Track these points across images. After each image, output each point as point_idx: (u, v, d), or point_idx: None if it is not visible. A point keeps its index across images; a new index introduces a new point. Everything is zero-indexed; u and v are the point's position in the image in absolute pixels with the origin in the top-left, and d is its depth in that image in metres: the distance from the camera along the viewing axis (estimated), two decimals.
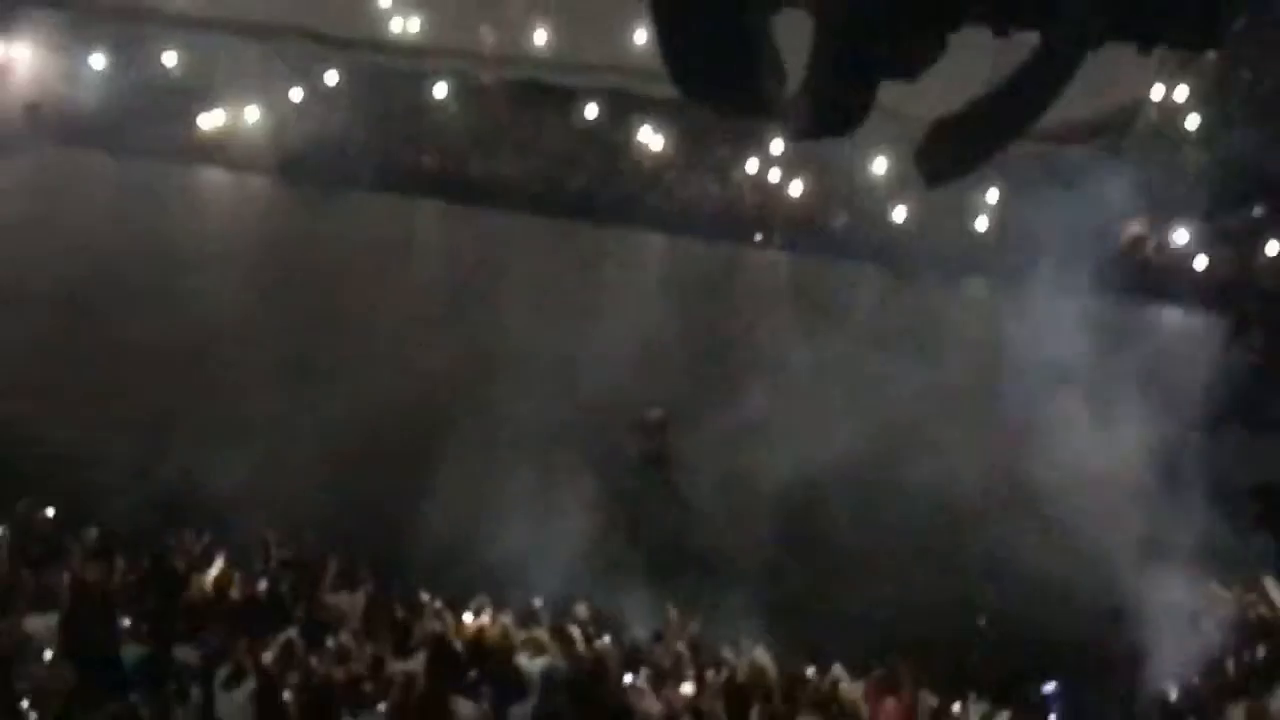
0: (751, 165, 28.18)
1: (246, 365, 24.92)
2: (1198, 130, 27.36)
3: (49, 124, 29.81)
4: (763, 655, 19.92)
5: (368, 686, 18.95)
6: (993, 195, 26.39)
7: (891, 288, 26.72)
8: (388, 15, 29.52)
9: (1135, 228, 26.82)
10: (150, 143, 29.22)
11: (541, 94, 29.22)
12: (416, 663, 19.35)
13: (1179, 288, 25.89)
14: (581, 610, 20.77)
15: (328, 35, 27.73)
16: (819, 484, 23.35)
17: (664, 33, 6.84)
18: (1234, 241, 26.78)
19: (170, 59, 29.82)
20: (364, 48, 28.25)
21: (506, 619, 20.46)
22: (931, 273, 25.67)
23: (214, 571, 20.79)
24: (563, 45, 28.34)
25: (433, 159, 29.19)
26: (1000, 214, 26.33)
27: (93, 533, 21.69)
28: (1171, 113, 27.26)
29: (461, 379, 24.01)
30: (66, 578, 20.62)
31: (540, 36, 28.85)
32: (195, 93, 29.70)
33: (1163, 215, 26.53)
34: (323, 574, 21.26)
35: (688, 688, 19.42)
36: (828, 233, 27.74)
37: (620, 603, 21.19)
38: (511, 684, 19.21)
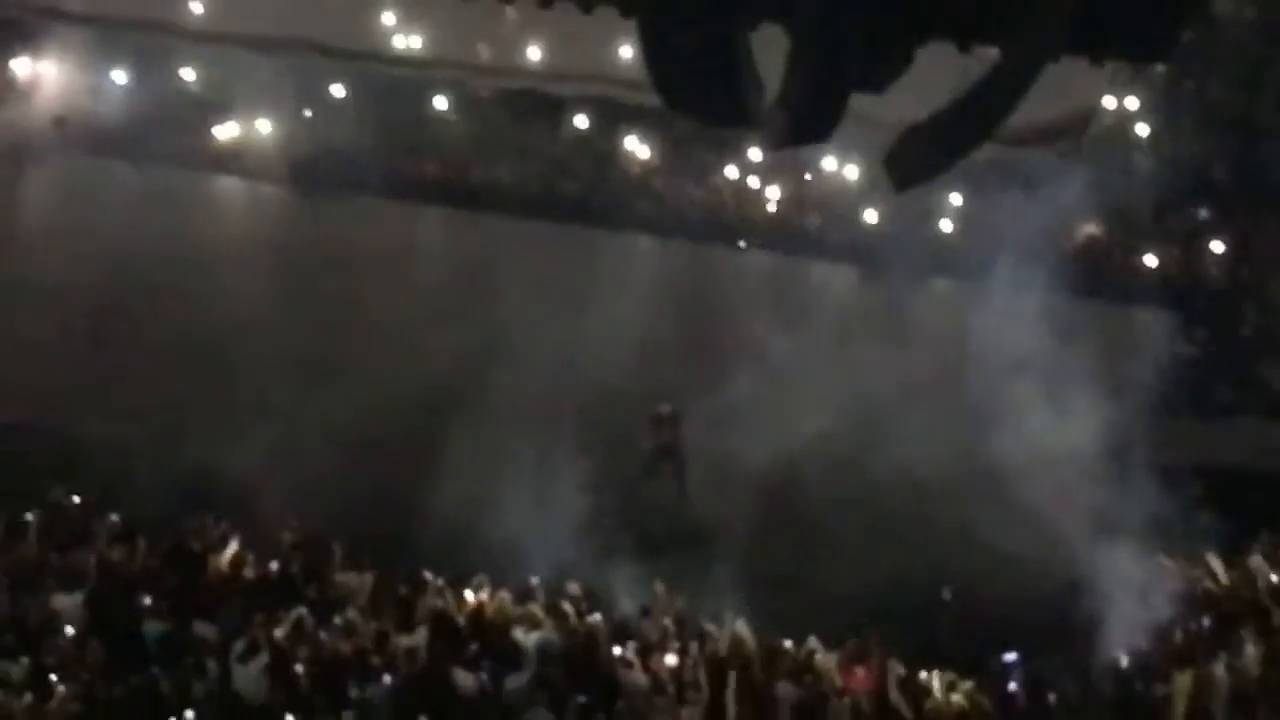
0: (732, 171, 28.12)
1: (261, 359, 24.88)
2: (1148, 138, 27.36)
3: (75, 136, 29.68)
4: (743, 628, 19.95)
5: (374, 659, 18.98)
6: (957, 199, 26.40)
7: (863, 286, 26.73)
8: (391, 33, 29.43)
9: (1089, 228, 26.82)
10: (169, 153, 29.13)
11: (535, 105, 29.15)
12: (419, 637, 19.37)
13: (1130, 285, 25.88)
14: (574, 587, 20.79)
15: (335, 48, 27.65)
16: (797, 467, 23.36)
17: (650, 49, 6.83)
18: (1181, 242, 26.78)
19: (187, 74, 29.70)
20: (369, 62, 28.16)
21: (505, 596, 20.50)
22: (900, 271, 25.64)
23: (229, 553, 20.83)
24: (554, 59, 28.27)
25: (435, 167, 29.10)
26: (964, 216, 26.32)
27: (116, 517, 21.70)
28: (1123, 121, 27.26)
29: (465, 371, 23.98)
30: (92, 559, 20.66)
31: (534, 52, 28.79)
32: (211, 105, 29.59)
33: (1115, 217, 26.53)
34: (332, 555, 21.27)
35: (671, 659, 19.44)
36: (803, 234, 27.71)
37: (611, 580, 21.21)
38: (508, 656, 19.24)
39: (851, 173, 26.78)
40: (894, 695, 19.13)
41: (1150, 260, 26.47)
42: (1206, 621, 21.17)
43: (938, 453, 22.02)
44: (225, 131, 29.40)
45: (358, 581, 20.74)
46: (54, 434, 23.91)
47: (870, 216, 26.74)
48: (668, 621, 20.46)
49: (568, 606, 20.52)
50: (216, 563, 20.88)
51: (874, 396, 23.19)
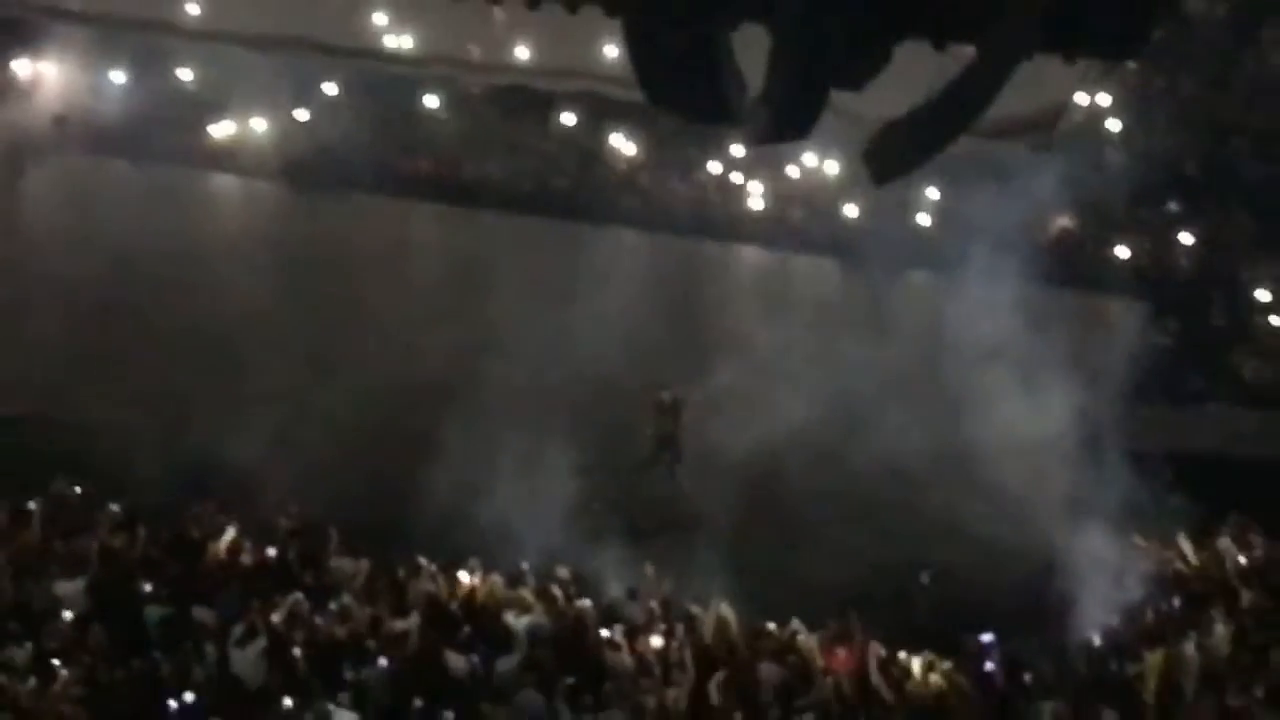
0: (715, 167, 28.12)
1: (259, 351, 24.87)
2: (1120, 133, 27.39)
3: (75, 134, 29.62)
4: (727, 610, 19.98)
5: (369, 643, 19.00)
6: (934, 193, 26.42)
7: (843, 278, 26.76)
8: (382, 33, 29.40)
9: (1063, 221, 26.87)
10: (167, 151, 29.09)
11: (524, 102, 29.12)
12: (413, 621, 19.39)
13: (1103, 276, 25.93)
14: (564, 572, 20.82)
15: (331, 45, 27.60)
16: (780, 454, 23.40)
17: (635, 48, 6.84)
18: (1152, 234, 26.82)
19: (184, 74, 29.64)
20: (365, 59, 28.11)
21: (496, 580, 20.52)
22: (880, 264, 25.65)
23: (227, 539, 20.84)
24: (542, 58, 28.25)
25: (427, 164, 29.06)
26: (941, 210, 26.35)
27: (118, 505, 21.71)
28: (1095, 116, 27.29)
29: (458, 362, 24.01)
30: (94, 546, 20.66)
31: (522, 51, 28.78)
32: (207, 104, 29.55)
33: (1088, 210, 26.57)
34: (328, 541, 21.29)
35: (656, 640, 19.47)
36: (785, 228, 27.71)
37: (600, 564, 21.25)
38: (499, 639, 19.27)
39: (832, 168, 26.78)
40: (874, 676, 19.16)
41: (1122, 252, 26.51)
42: (1177, 602, 21.25)
43: (917, 440, 22.07)
44: (222, 130, 29.35)
45: (353, 567, 20.76)
46: (57, 425, 23.90)
47: (850, 210, 26.75)
48: (654, 605, 20.50)
49: (557, 591, 20.56)
50: (215, 549, 20.89)
51: (855, 386, 23.22)
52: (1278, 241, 26.45)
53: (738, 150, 27.59)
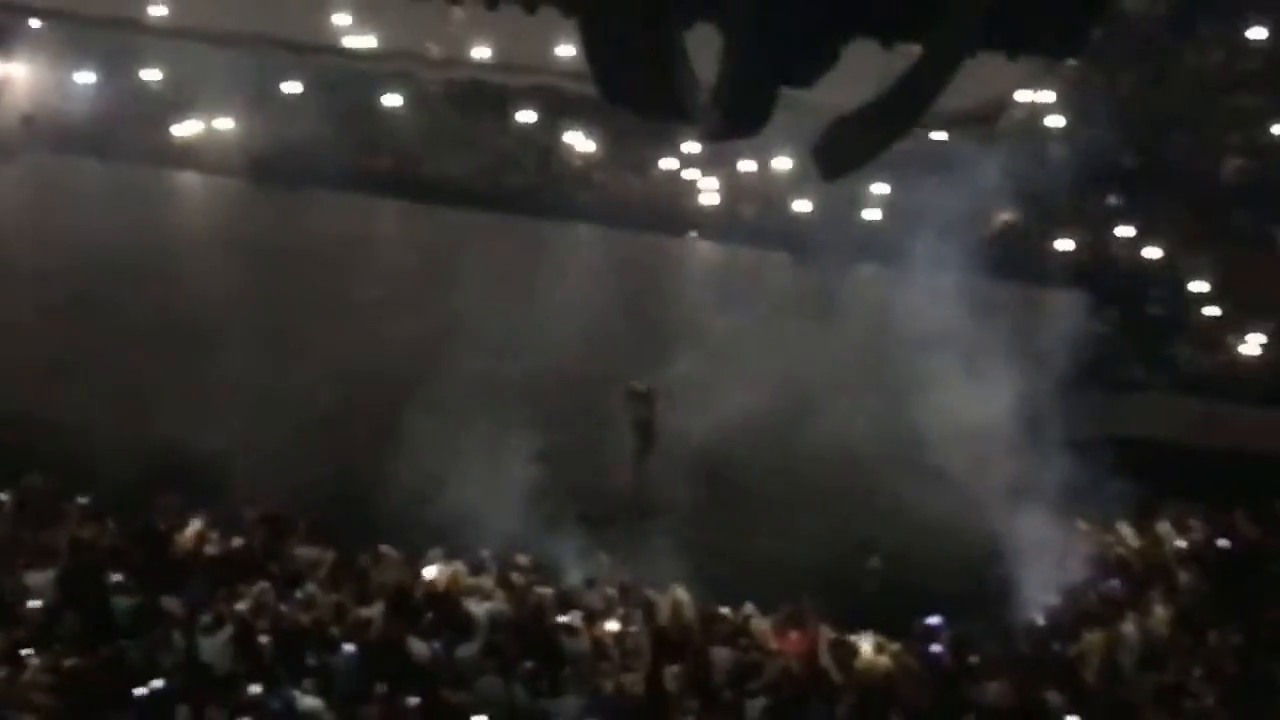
0: (670, 163, 28.09)
1: (225, 344, 24.75)
2: (1061, 128, 27.47)
3: (43, 133, 29.40)
4: (683, 595, 19.99)
5: (333, 630, 18.94)
6: (882, 187, 26.45)
7: (795, 271, 26.77)
8: (344, 33, 29.28)
9: (1006, 215, 26.94)
10: (134, 149, 28.90)
11: (483, 101, 29.04)
12: (376, 609, 19.34)
13: (1045, 267, 26.01)
14: (523, 559, 20.80)
15: (296, 42, 27.46)
16: (733, 441, 23.42)
17: (592, 48, 6.80)
18: (1092, 226, 26.90)
19: (150, 73, 29.44)
20: (329, 56, 27.97)
21: (459, 567, 20.49)
22: (829, 257, 25.68)
23: (192, 530, 20.76)
24: (500, 57, 28.18)
25: (388, 161, 28.94)
26: (889, 204, 26.38)
27: (87, 497, 21.60)
28: (1037, 112, 27.37)
29: (421, 353, 23.92)
30: (64, 537, 20.54)
31: (481, 50, 28.70)
32: (173, 103, 29.36)
33: (1031, 203, 26.64)
34: (293, 531, 21.23)
35: (613, 625, 19.48)
36: (738, 222, 27.70)
37: (559, 551, 21.24)
38: (460, 626, 19.24)
39: (783, 164, 26.76)
40: (824, 658, 19.20)
41: (1064, 244, 26.59)
42: (1117, 584, 21.34)
43: (865, 427, 22.10)
44: (187, 128, 29.17)
45: (318, 556, 20.70)
46: (24, 418, 23.73)
47: (801, 205, 26.74)
48: (612, 591, 20.50)
49: (517, 577, 20.54)
50: (182, 540, 20.81)
51: (806, 375, 23.24)
52: (1214, 233, 26.60)
53: (691, 147, 27.55)
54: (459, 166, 28.90)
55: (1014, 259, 26.25)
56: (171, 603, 19.41)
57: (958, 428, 21.79)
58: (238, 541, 20.91)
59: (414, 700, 17.83)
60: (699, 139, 24.26)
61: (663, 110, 7.14)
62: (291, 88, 28.81)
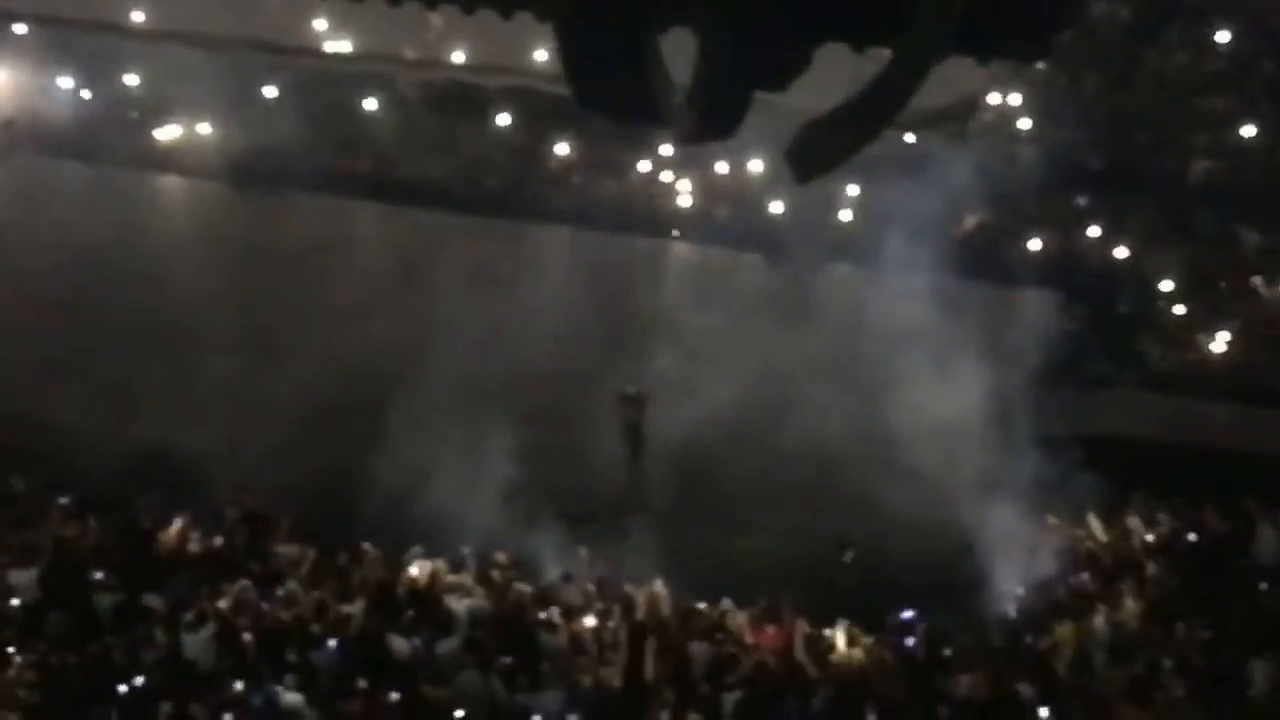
0: (645, 166, 28.11)
1: (207, 344, 24.74)
2: (1029, 130, 27.56)
3: (24, 137, 29.33)
4: (660, 590, 20.03)
5: (314, 627, 18.94)
6: (854, 189, 26.51)
7: (769, 271, 26.81)
8: (323, 38, 29.25)
9: (976, 215, 27.01)
10: (115, 153, 28.81)
11: (460, 104, 29.03)
12: (357, 606, 19.35)
13: (1015, 267, 26.09)
14: (502, 556, 20.82)
15: (277, 45, 27.39)
16: (709, 438, 23.47)
17: (566, 52, 6.81)
18: (1061, 226, 26.99)
19: (131, 79, 29.38)
20: (309, 59, 27.91)
21: (439, 565, 20.51)
22: (803, 257, 25.73)
23: (175, 529, 20.76)
24: (476, 61, 28.17)
25: (365, 164, 28.90)
26: (861, 205, 26.43)
27: (69, 496, 21.57)
28: (1007, 115, 27.46)
29: (400, 354, 23.90)
30: (47, 536, 20.51)
31: (457, 55, 28.69)
32: (153, 107, 29.29)
33: (1001, 204, 26.72)
34: (275, 529, 21.22)
35: (589, 620, 19.51)
36: (713, 224, 27.73)
37: (537, 548, 21.26)
38: (441, 623, 19.25)
39: (757, 166, 26.81)
40: (800, 652, 19.26)
41: (1033, 244, 26.67)
42: (1086, 578, 21.43)
43: (839, 425, 22.13)
44: (167, 132, 29.11)
45: (299, 554, 20.70)
46: (8, 418, 23.66)
47: (775, 207, 26.78)
48: (590, 587, 20.54)
49: (496, 574, 20.56)
50: (164, 538, 20.80)
51: (780, 374, 23.28)
52: (1181, 233, 26.70)
53: (666, 150, 27.59)
54: (436, 169, 28.85)
55: (984, 259, 26.33)
56: (154, 600, 19.40)
57: (930, 425, 21.85)
58: (220, 540, 20.91)
59: (395, 696, 17.84)
60: (674, 142, 24.29)
61: (637, 114, 7.15)
62: (270, 92, 28.77)
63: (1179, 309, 25.94)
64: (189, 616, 18.83)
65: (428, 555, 20.68)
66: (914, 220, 24.97)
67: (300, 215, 27.84)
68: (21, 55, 29.36)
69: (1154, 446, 24.14)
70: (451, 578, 20.38)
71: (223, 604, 19.11)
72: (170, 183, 29.31)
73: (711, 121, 7.13)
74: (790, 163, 7.21)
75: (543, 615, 19.56)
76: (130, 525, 21.12)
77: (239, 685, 17.84)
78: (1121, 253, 26.59)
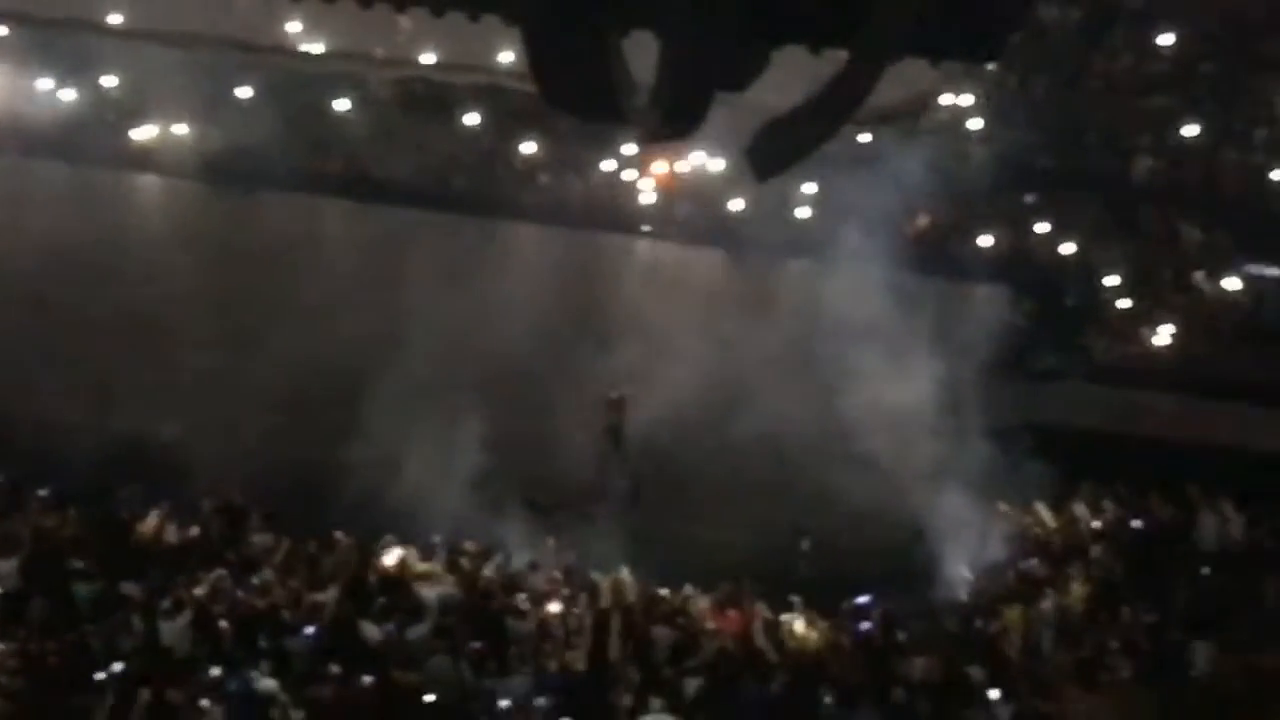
0: (609, 165, 28.07)
1: (184, 339, 24.63)
2: (980, 131, 27.61)
3: (5, 138, 29.11)
4: (625, 577, 20.03)
5: (286, 614, 18.87)
6: (811, 187, 26.51)
7: (729, 266, 26.80)
8: (297, 41, 29.11)
9: (929, 213, 27.05)
10: (94, 152, 28.63)
11: (429, 105, 28.93)
12: (330, 594, 19.29)
13: (966, 263, 26.15)
14: (470, 545, 20.79)
15: (253, 44, 27.22)
16: (671, 429, 23.46)
17: (533, 54, 6.77)
18: (1011, 223, 27.05)
19: (109, 80, 29.20)
20: (277, 63, 27.75)
21: (410, 553, 20.47)
22: (762, 253, 25.73)
23: (151, 520, 20.68)
24: (445, 62, 28.06)
25: (337, 163, 28.78)
26: (818, 203, 26.43)
27: (49, 487, 21.46)
28: (958, 117, 27.50)
29: (372, 348, 23.81)
30: (26, 527, 20.39)
31: (427, 57, 28.60)
32: (130, 107, 29.11)
33: (953, 202, 26.77)
34: (249, 519, 21.16)
35: (555, 606, 19.50)
36: (674, 220, 27.70)
37: (506, 536, 21.24)
38: (412, 609, 19.21)
39: (718, 164, 26.78)
40: (759, 636, 19.27)
41: (984, 240, 26.73)
42: (1035, 563, 21.50)
43: (797, 417, 22.13)
44: (144, 133, 28.94)
45: (273, 543, 20.64)
46: None
47: (735, 204, 26.77)
48: (557, 574, 20.52)
49: (465, 562, 20.53)
50: (142, 528, 20.72)
51: (740, 366, 23.28)
52: (1125, 230, 26.79)
53: (629, 149, 27.55)
54: (407, 168, 28.76)
55: (937, 254, 26.39)
56: (132, 589, 19.30)
57: (884, 416, 21.88)
58: (196, 530, 20.83)
59: (367, 680, 17.79)
60: (637, 141, 24.25)
61: (602, 112, 7.12)
62: (244, 93, 28.63)
63: (1124, 303, 26.05)
64: (166, 604, 18.75)
65: (399, 543, 20.63)
66: (869, 217, 25.00)
67: (274, 213, 27.71)
68: (2, 57, 29.15)
69: (1100, 436, 24.23)
70: (422, 566, 20.34)
71: (199, 592, 19.02)
72: (148, 182, 29.15)
73: (674, 121, 7.10)
74: (750, 161, 7.18)
75: (511, 602, 19.54)
76: (109, 516, 21.02)
77: (215, 671, 17.76)
78: (1069, 249, 26.67)
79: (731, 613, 19.87)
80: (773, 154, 7.13)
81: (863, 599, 20.42)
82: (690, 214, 27.60)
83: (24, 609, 18.71)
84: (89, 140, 28.66)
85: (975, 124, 27.74)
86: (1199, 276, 26.24)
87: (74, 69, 29.00)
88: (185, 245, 26.75)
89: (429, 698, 17.89)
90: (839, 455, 21.58)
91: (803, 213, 26.60)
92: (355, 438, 22.28)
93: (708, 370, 23.04)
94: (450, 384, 22.96)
